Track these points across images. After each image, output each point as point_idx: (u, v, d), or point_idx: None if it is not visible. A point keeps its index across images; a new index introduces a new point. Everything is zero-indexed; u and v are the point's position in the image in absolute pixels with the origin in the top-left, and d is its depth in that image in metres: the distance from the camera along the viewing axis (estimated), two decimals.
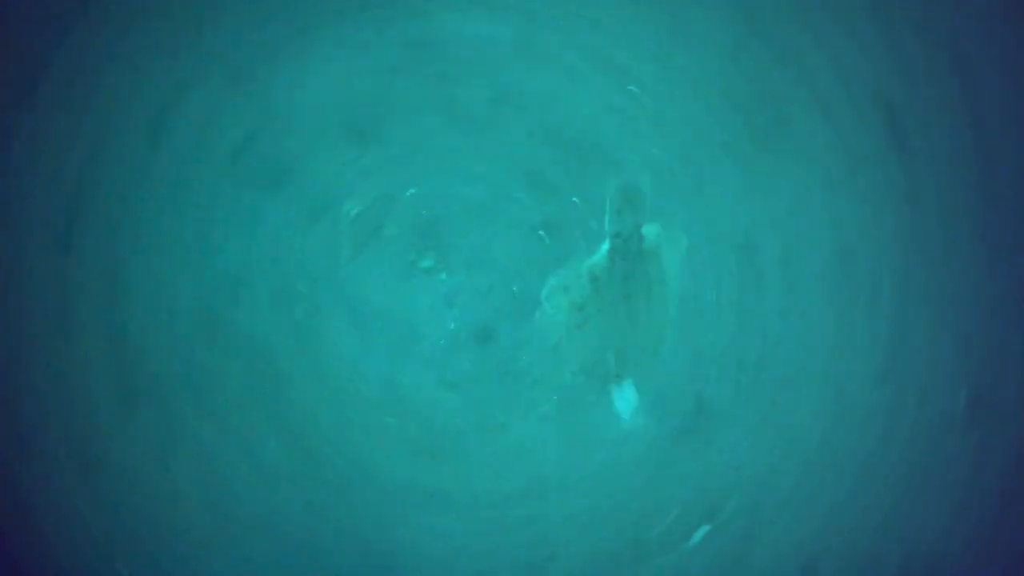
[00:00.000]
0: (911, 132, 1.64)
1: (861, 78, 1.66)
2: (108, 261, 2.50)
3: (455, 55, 2.07)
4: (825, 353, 1.69)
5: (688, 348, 1.81)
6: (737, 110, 1.76)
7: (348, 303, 2.20)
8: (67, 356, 2.59)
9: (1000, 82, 1.55)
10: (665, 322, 1.80)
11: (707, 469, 1.78)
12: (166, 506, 2.45)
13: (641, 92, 1.86)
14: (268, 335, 2.28)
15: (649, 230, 1.83)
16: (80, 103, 2.59)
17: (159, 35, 2.48)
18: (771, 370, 1.72)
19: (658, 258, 1.81)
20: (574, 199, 1.94)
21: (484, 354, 2.05)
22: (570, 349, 1.93)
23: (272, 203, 2.26)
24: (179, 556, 2.45)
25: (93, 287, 2.53)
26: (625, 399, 1.87)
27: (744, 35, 1.73)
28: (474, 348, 2.06)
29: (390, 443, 2.18)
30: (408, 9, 2.13)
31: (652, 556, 1.80)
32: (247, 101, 2.28)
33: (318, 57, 2.21)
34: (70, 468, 2.40)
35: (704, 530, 1.77)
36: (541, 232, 1.98)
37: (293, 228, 2.24)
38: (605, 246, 1.88)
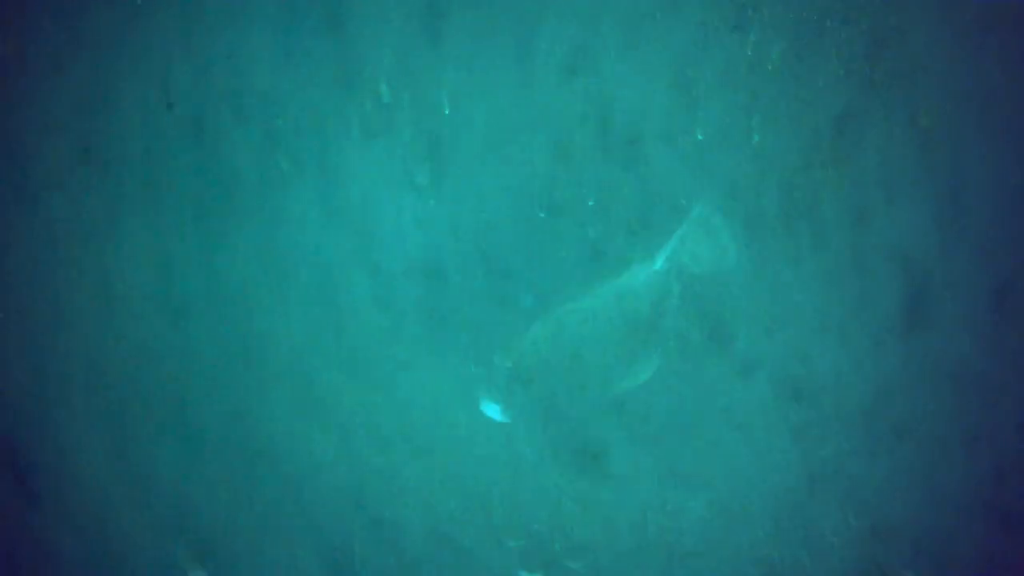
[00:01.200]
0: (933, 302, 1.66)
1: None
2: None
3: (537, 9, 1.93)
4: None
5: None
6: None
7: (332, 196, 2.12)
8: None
9: None
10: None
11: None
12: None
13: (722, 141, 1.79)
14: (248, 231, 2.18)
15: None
16: None
17: None
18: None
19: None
20: (610, 213, 1.86)
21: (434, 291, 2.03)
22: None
23: (312, 55, 2.12)
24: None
25: None
26: (494, 410, 1.91)
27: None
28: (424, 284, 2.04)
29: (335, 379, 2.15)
30: None
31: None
32: None
33: None
34: None
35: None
36: (543, 214, 1.90)
37: (325, 89, 2.12)
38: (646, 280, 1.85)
